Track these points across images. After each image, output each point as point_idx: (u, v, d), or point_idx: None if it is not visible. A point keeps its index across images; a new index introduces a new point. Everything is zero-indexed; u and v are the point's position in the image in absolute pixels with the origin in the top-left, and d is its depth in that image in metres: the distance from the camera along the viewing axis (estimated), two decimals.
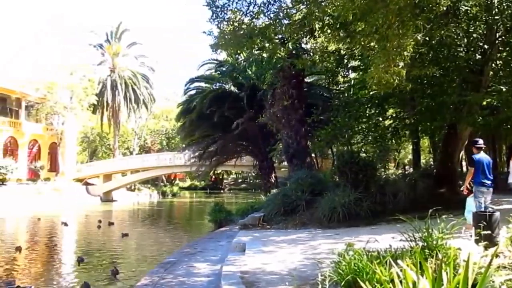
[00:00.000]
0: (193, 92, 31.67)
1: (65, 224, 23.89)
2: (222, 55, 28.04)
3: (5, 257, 15.38)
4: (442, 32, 11.94)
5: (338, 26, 12.89)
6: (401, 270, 4.53)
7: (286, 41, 16.82)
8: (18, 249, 15.85)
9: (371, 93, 17.28)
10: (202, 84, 31.34)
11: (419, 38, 10.22)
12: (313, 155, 25.27)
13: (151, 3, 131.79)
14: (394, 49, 9.52)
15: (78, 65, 48.43)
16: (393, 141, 20.53)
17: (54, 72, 46.02)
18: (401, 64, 9.97)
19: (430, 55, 14.66)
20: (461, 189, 11.20)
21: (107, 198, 47.44)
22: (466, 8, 12.97)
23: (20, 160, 45.28)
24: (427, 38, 11.92)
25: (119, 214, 36.29)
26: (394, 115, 19.86)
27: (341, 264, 6.06)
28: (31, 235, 21.90)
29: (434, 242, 6.20)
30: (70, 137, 51.97)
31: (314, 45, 17.96)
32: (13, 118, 46.67)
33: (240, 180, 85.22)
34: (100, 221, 24.60)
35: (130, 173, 49.85)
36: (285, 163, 29.97)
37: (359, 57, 18.01)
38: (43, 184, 43.59)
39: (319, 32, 14.74)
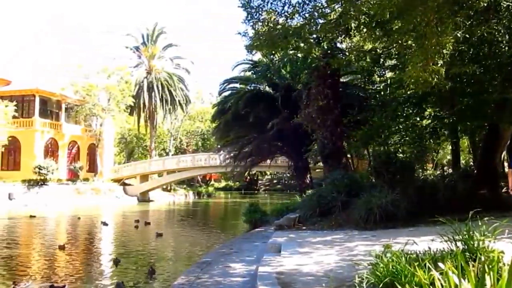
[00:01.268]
0: (228, 93, 31.86)
1: (105, 224, 24.40)
2: (257, 56, 28.13)
3: (48, 255, 15.83)
4: (483, 28, 11.59)
5: (374, 24, 12.69)
6: (441, 274, 4.41)
7: (321, 41, 16.69)
8: (62, 247, 16.25)
9: (408, 92, 16.96)
10: (237, 85, 31.49)
11: (458, 35, 9.95)
12: (348, 155, 24.95)
13: (184, 5, 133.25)
14: (433, 47, 9.30)
15: (116, 67, 49.50)
16: (432, 141, 20.08)
17: (93, 75, 47.25)
18: (440, 62, 9.73)
19: (470, 52, 14.27)
20: (505, 190, 10.88)
21: (144, 198, 48.20)
22: (508, 3, 12.56)
23: (60, 161, 46.61)
24: (467, 35, 11.58)
25: (156, 214, 36.81)
26: (432, 114, 19.40)
27: (379, 266, 5.95)
28: (72, 234, 22.46)
29: (476, 245, 6.03)
30: (108, 139, 53.10)
31: (350, 44, 17.78)
32: (53, 120, 48.12)
33: (275, 181, 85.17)
34: (137, 221, 25.01)
35: (166, 174, 50.47)
36: (321, 163, 29.77)
37: (396, 56, 17.70)
38: (82, 184, 44.73)
39: (355, 31, 14.57)
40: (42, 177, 41.67)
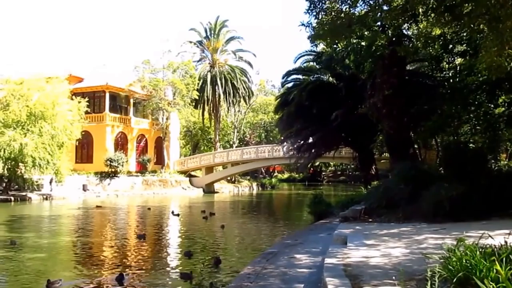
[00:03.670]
0: (290, 84, 31.76)
1: (176, 215, 25.13)
2: (320, 47, 27.81)
3: (131, 244, 16.50)
4: None
5: (443, 8, 12.16)
6: None
7: (386, 28, 16.25)
8: (141, 237, 16.85)
9: (480, 78, 16.22)
10: (300, 76, 31.31)
11: None
12: (416, 146, 24.22)
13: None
14: (508, 30, 8.80)
15: (181, 62, 50.61)
16: (506, 130, 19.10)
17: (159, 70, 48.64)
18: None
19: None
20: None
21: (209, 189, 49.14)
22: None
23: (129, 154, 48.43)
24: None
25: (221, 205, 37.45)
26: (507, 101, 18.42)
27: (451, 260, 5.73)
28: (146, 224, 23.29)
29: None
30: (174, 132, 54.52)
31: (417, 30, 17.20)
32: (122, 115, 49.97)
33: (338, 172, 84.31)
34: (203, 212, 25.56)
35: (230, 166, 51.13)
36: (386, 154, 29.12)
37: (467, 41, 16.96)
38: (150, 176, 46.30)
39: (422, 16, 14.06)
40: (113, 169, 43.53)
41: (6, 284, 10.60)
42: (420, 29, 16.80)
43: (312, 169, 72.57)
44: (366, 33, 15.82)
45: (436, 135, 21.52)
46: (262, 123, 72.71)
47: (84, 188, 40.80)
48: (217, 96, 56.73)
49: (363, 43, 20.59)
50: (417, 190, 14.89)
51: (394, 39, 17.60)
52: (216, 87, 56.28)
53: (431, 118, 17.49)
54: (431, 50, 19.20)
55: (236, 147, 61.87)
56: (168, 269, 12.11)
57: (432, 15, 13.23)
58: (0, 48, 71.31)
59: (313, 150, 29.84)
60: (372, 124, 22.60)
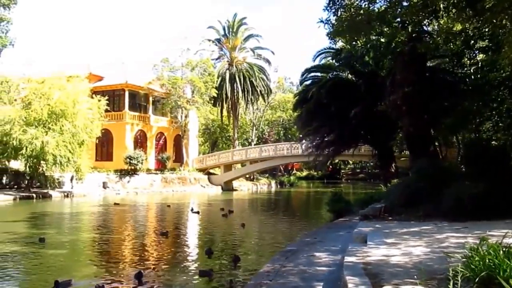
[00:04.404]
0: (309, 82, 31.57)
1: (196, 212, 25.26)
2: (339, 44, 27.61)
3: (154, 241, 16.59)
4: None
5: (464, 4, 11.98)
6: None
7: (406, 24, 16.06)
8: (164, 234, 16.93)
9: (503, 74, 15.93)
10: (318, 74, 31.11)
11: None
12: (436, 143, 23.92)
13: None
14: None
15: (200, 60, 50.80)
16: None
17: (177, 68, 48.91)
18: None
19: None
20: None
21: (227, 187, 49.27)
22: None
23: (148, 152, 48.84)
24: None
25: (239, 202, 37.51)
26: None
27: (474, 259, 5.65)
28: (167, 221, 23.45)
29: None
30: (193, 130, 54.79)
31: (437, 26, 16.97)
32: (142, 113, 50.38)
33: (357, 170, 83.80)
34: (222, 209, 25.63)
35: (249, 163, 51.18)
36: (406, 152, 28.82)
37: (489, 37, 16.66)
38: (169, 174, 46.61)
39: (443, 12, 13.85)
40: (133, 167, 43.94)
41: (29, 279, 10.76)
42: (440, 25, 16.59)
43: (331, 167, 72.25)
44: (385, 29, 15.68)
45: (457, 132, 21.25)
46: (281, 121, 72.62)
47: (104, 185, 41.26)
48: (235, 94, 56.82)
49: (382, 40, 20.41)
50: (438, 188, 14.71)
51: (414, 35, 17.41)
52: (235, 85, 56.36)
53: (452, 115, 17.25)
54: (452, 46, 18.92)
55: (254, 145, 61.92)
56: (187, 266, 12.13)
57: (453, 10, 13.06)
58: (22, 47, 72.78)
59: (331, 148, 29.66)
60: (392, 122, 22.39)
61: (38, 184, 36.16)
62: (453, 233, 10.47)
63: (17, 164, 35.67)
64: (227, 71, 57.34)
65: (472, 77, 19.68)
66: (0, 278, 10.48)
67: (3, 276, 10.69)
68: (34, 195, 33.02)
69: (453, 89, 20.42)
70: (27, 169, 33.99)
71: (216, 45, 59.66)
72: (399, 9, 13.83)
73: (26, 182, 35.56)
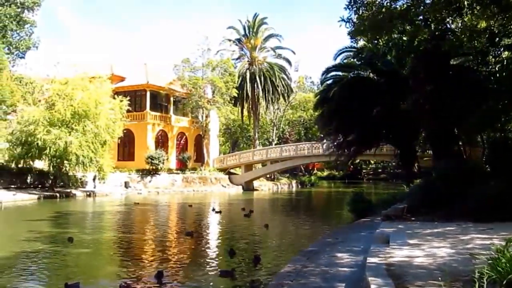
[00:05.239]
0: (330, 81, 31.36)
1: (219, 212, 25.32)
2: (360, 42, 27.36)
3: (180, 241, 16.67)
4: None
5: (489, 1, 11.77)
6: None
7: (429, 22, 15.80)
8: (190, 234, 16.95)
9: None
10: (339, 73, 30.87)
11: None
12: (460, 143, 23.53)
13: None
14: None
15: (220, 60, 50.93)
16: None
17: (198, 69, 49.14)
18: None
19: None
20: None
21: (248, 187, 49.33)
22: None
23: (169, 152, 49.17)
24: None
25: (260, 202, 37.52)
26: None
27: (500, 261, 5.52)
28: (188, 221, 23.56)
29: None
30: (214, 129, 55.01)
31: (461, 24, 16.68)
32: (163, 113, 50.75)
33: (379, 170, 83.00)
34: (243, 209, 25.62)
35: (269, 163, 51.14)
36: (429, 151, 28.43)
37: None
38: (190, 173, 46.86)
39: (467, 9, 13.62)
40: (154, 167, 44.29)
41: (51, 277, 10.90)
42: (465, 22, 16.30)
43: (352, 166, 71.69)
44: (408, 27, 15.45)
45: (482, 131, 20.84)
46: (301, 120, 72.35)
47: (126, 185, 41.69)
48: (256, 93, 56.79)
49: (404, 38, 20.12)
50: (462, 188, 14.48)
51: (437, 33, 17.13)
52: (255, 85, 56.34)
53: (477, 114, 16.90)
54: (476, 44, 18.55)
55: (275, 144, 61.83)
56: (210, 266, 12.11)
57: (478, 7, 12.86)
58: (46, 49, 74.03)
59: (353, 148, 29.44)
60: (414, 121, 22.08)
61: (62, 183, 36.74)
62: (478, 234, 10.29)
63: (41, 164, 36.25)
64: (248, 70, 57.35)
65: (497, 75, 19.26)
66: (29, 275, 10.69)
67: (30, 273, 10.92)
68: (58, 195, 33.53)
69: (478, 87, 20.05)
70: (51, 168, 34.57)
71: (236, 45, 59.71)
72: (422, 7, 13.66)
73: (50, 181, 36.15)
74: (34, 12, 48.76)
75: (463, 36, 16.43)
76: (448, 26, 18.41)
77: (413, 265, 7.33)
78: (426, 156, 32.00)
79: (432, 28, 15.96)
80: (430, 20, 15.58)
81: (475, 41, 17.72)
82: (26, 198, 30.81)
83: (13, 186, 33.69)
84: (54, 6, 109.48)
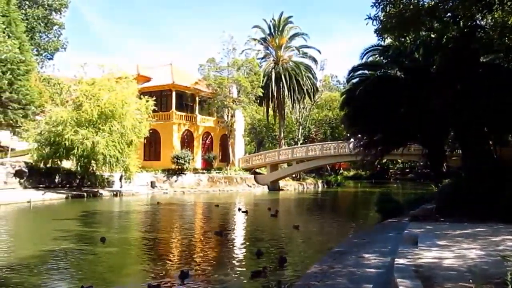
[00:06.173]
0: (356, 80, 31.05)
1: (245, 212, 25.41)
2: (387, 40, 27.02)
3: (210, 240, 16.68)
4: None
5: None
6: None
7: (458, 19, 15.48)
8: (219, 233, 17.03)
9: None
10: (366, 72, 30.54)
11: None
12: (490, 142, 23.02)
13: None
14: None
15: (245, 60, 50.98)
16: None
17: (224, 68, 49.31)
18: None
19: None
20: None
21: (274, 186, 49.23)
22: None
23: (195, 151, 49.46)
24: None
25: (286, 202, 37.42)
26: None
27: None
28: (215, 221, 23.64)
29: None
30: (239, 129, 55.08)
31: (491, 20, 16.28)
32: (188, 113, 51.10)
33: (406, 170, 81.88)
34: (269, 209, 25.59)
35: (295, 163, 50.97)
36: (458, 151, 27.90)
37: None
38: (216, 173, 47.04)
39: (498, 5, 13.29)
40: (180, 167, 44.60)
41: (79, 275, 11.06)
42: (495, 19, 15.90)
43: (378, 166, 70.90)
44: (436, 25, 15.17)
45: None
46: (327, 120, 71.91)
47: (152, 185, 42.06)
48: (281, 93, 56.64)
49: (432, 36, 19.78)
50: (493, 189, 14.17)
51: (466, 30, 16.78)
52: (281, 84, 56.18)
53: (507, 113, 16.51)
54: (507, 41, 18.09)
55: (300, 144, 61.56)
56: (237, 266, 12.09)
57: (509, 3, 12.53)
58: (74, 50, 75.35)
59: (380, 147, 29.12)
60: (443, 120, 21.69)
61: (89, 183, 37.29)
62: (509, 235, 10.06)
63: (68, 164, 36.84)
64: (273, 70, 57.22)
65: None
66: (58, 274, 10.90)
67: (59, 271, 11.13)
68: (85, 194, 34.05)
69: (509, 85, 19.57)
70: (78, 168, 35.10)
71: (261, 44, 59.65)
72: (450, 3, 13.38)
73: (77, 181, 36.75)
74: (62, 14, 49.69)
75: (493, 33, 16.03)
76: (478, 22, 18.02)
77: (442, 267, 7.19)
78: (455, 156, 31.44)
79: (461, 25, 15.64)
80: (459, 16, 15.25)
81: (506, 38, 17.26)
82: (54, 198, 31.37)
83: (41, 186, 34.35)
84: (80, 7, 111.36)
